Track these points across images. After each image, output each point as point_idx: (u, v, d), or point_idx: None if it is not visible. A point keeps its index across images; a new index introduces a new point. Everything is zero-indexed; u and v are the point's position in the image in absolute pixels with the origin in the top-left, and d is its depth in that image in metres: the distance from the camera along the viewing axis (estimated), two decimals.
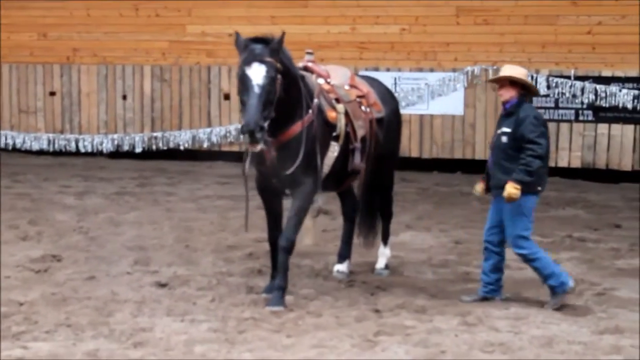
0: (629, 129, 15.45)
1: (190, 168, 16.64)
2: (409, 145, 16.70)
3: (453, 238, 11.14)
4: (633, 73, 15.42)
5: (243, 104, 7.66)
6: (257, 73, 7.63)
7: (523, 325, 7.59)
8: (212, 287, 8.68)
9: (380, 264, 9.44)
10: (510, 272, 9.51)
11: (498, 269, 8.37)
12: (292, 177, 8.10)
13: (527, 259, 8.23)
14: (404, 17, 16.90)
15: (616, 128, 15.54)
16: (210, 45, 17.81)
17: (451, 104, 16.56)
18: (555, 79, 15.67)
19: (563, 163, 15.77)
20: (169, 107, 18.00)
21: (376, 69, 16.90)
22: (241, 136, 7.86)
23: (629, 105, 15.20)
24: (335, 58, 17.02)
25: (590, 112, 15.59)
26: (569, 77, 15.60)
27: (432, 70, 16.73)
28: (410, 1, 16.86)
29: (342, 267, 9.26)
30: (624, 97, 15.20)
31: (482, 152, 15.54)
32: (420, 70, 16.79)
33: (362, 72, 16.76)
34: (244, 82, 7.63)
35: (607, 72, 15.52)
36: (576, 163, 15.81)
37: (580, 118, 15.59)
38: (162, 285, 8.71)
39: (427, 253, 10.36)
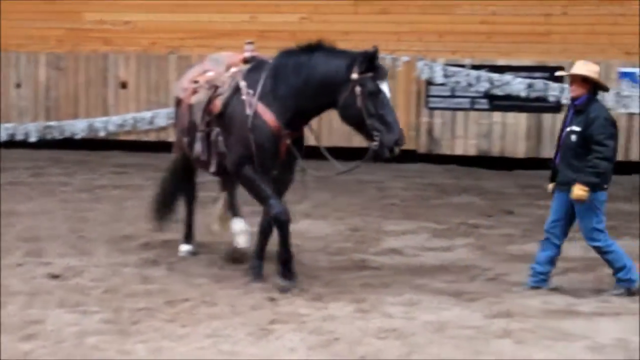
0: (523, 117, 15.75)
1: (86, 158, 16.48)
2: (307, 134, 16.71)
3: (349, 226, 11.21)
4: (527, 62, 15.71)
5: (374, 115, 7.83)
6: (388, 89, 8.00)
7: (416, 311, 7.64)
8: (105, 278, 8.58)
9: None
10: (406, 258, 9.66)
11: (552, 261, 8.42)
12: (292, 167, 8.60)
13: (602, 252, 8.30)
14: (304, 6, 16.95)
15: (510, 116, 15.83)
16: (108, 33, 17.61)
17: None
18: (452, 68, 15.87)
19: (459, 151, 16.01)
20: (65, 96, 17.75)
21: None
22: (386, 151, 7.87)
23: (523, 94, 15.48)
24: (235, 47, 16.81)
25: (485, 100, 15.84)
26: (464, 66, 15.80)
27: None
28: None
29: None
30: (518, 85, 15.47)
31: None
32: None
33: None
34: (380, 97, 7.85)
35: (501, 61, 15.77)
36: (472, 151, 16.05)
37: (476, 106, 15.82)
38: (55, 277, 8.57)
39: (323, 241, 10.40)
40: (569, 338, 6.97)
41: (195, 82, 8.88)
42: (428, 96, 16.18)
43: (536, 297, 8.13)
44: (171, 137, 15.15)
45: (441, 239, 10.62)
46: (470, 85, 15.72)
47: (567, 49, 15.27)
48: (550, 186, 8.52)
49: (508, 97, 15.61)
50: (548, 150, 15.48)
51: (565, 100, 15.20)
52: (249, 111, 8.24)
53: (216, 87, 8.60)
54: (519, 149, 15.84)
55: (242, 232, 9.28)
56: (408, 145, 15.70)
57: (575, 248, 10.05)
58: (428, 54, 16.24)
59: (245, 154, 8.29)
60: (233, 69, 8.65)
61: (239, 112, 8.35)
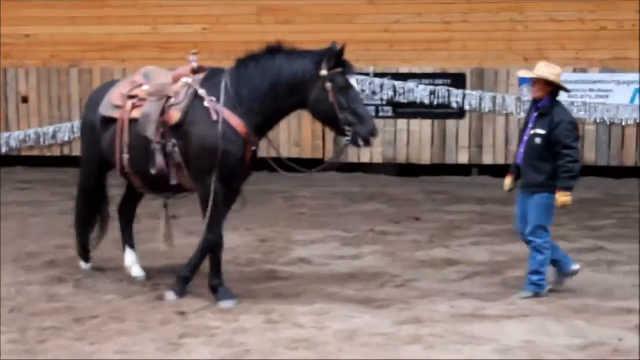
0: (427, 124, 15.90)
1: None
2: None
3: (258, 237, 11.19)
4: (429, 69, 15.89)
5: (346, 109, 7.94)
6: (356, 83, 8.21)
7: (326, 321, 7.64)
8: (10, 297, 8.41)
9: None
10: (315, 267, 9.68)
11: (545, 262, 8.49)
12: (246, 177, 8.61)
13: (536, 249, 8.36)
14: (206, 17, 16.90)
15: (415, 123, 15.95)
16: (7, 47, 17.28)
17: None
18: (356, 76, 15.93)
19: (365, 159, 16.07)
20: None
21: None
22: (361, 141, 8.04)
23: (426, 101, 15.64)
24: (138, 58, 16.87)
25: (389, 108, 15.95)
26: (368, 74, 15.92)
27: None
28: (211, 1, 16.86)
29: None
30: (421, 93, 15.64)
31: (286, 150, 15.59)
32: (223, 68, 16.76)
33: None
34: (350, 91, 8.00)
35: (404, 69, 15.92)
36: (378, 158, 16.15)
37: (381, 114, 15.88)
38: None
39: (234, 253, 10.31)
40: (477, 341, 7.06)
41: (132, 97, 8.66)
42: None
43: (444, 302, 8.21)
44: (76, 151, 15.01)
45: (350, 247, 10.65)
46: (374, 93, 15.84)
47: (467, 56, 15.52)
48: (508, 182, 8.61)
49: (412, 105, 15.76)
50: (453, 156, 15.77)
51: (468, 106, 15.49)
52: (215, 117, 8.14)
53: (168, 98, 8.43)
54: (424, 156, 15.99)
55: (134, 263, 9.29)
56: (315, 154, 15.99)
57: (481, 253, 10.24)
58: None
59: (210, 163, 8.17)
60: (184, 79, 8.47)
61: (201, 120, 8.23)
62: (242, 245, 10.78)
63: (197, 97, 8.29)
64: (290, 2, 16.59)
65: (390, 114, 15.93)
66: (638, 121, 15.12)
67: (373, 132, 8.03)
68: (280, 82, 8.12)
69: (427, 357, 6.76)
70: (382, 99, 15.87)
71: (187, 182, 8.49)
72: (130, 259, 9.24)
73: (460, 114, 15.61)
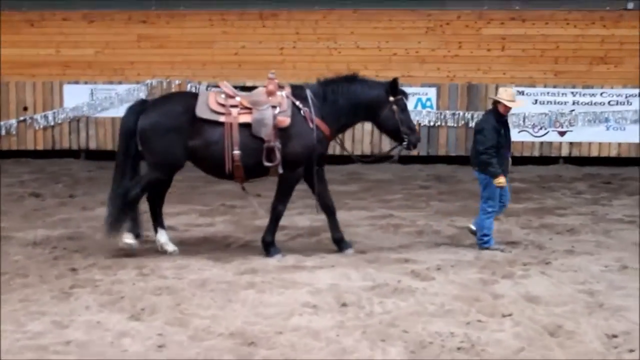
0: None
1: None
2: (105, 140, 16.41)
3: None
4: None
5: (405, 124, 8.49)
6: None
7: (185, 272, 7.62)
8: None
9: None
10: (179, 233, 9.56)
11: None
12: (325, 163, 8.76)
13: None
14: (98, 42, 16.53)
15: None
16: None
17: None
18: (213, 88, 15.83)
19: None
20: None
21: (76, 83, 16.43)
22: (412, 147, 8.61)
23: None
24: (44, 74, 16.43)
25: None
26: None
27: (120, 82, 16.43)
28: (102, 29, 16.48)
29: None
30: None
31: None
32: (112, 83, 16.44)
33: (66, 86, 16.32)
34: (407, 111, 8.63)
35: (250, 83, 15.84)
36: None
37: None
38: None
39: None
40: (296, 286, 7.17)
41: (233, 106, 8.25)
42: None
43: (274, 257, 8.27)
44: None
45: (206, 217, 10.61)
46: None
47: (296, 74, 15.58)
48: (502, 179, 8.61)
49: None
50: None
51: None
52: (311, 124, 8.24)
53: (274, 107, 8.24)
54: None
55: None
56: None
57: (303, 220, 10.35)
58: (195, 78, 16.19)
59: (305, 157, 8.29)
60: (280, 92, 8.33)
61: (301, 125, 8.25)
62: None
63: (295, 107, 8.29)
64: (163, 31, 16.41)
65: None
66: (418, 121, 15.58)
67: (419, 140, 8.74)
68: (360, 103, 8.44)
69: (258, 298, 6.81)
70: None
71: (274, 171, 8.38)
72: (163, 238, 8.57)
73: None
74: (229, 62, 16.19)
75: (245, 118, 8.22)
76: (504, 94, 8.61)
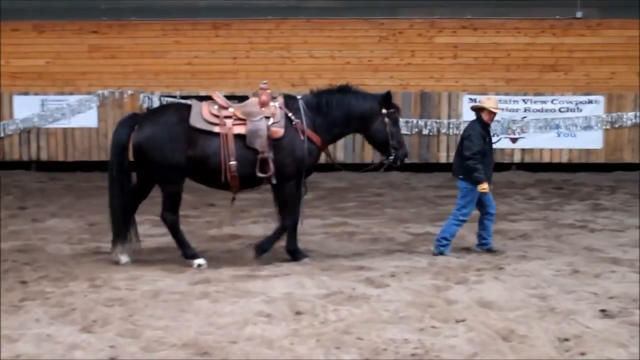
0: None
1: None
2: (56, 151, 16.19)
3: (89, 222, 10.89)
4: (222, 93, 15.80)
5: (394, 138, 8.48)
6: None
7: (137, 283, 7.52)
8: None
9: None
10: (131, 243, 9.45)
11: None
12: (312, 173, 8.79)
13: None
14: (48, 52, 16.35)
15: None
16: None
17: (88, 119, 16.22)
18: (166, 98, 15.77)
19: None
20: None
21: (26, 94, 16.21)
22: (399, 162, 8.60)
23: None
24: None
25: None
26: (175, 97, 15.75)
27: (72, 93, 16.26)
28: (52, 39, 16.29)
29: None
30: None
31: None
32: (63, 93, 16.25)
33: (16, 97, 16.10)
34: (398, 125, 8.62)
35: (203, 93, 15.79)
36: None
37: None
38: None
39: (67, 234, 10.04)
40: (250, 295, 7.10)
41: (227, 117, 8.20)
42: None
43: (228, 266, 8.22)
44: None
45: (159, 228, 10.36)
46: None
47: (250, 83, 15.62)
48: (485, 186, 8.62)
49: None
50: None
51: None
52: (302, 136, 8.25)
53: (267, 118, 8.23)
54: None
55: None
56: None
57: (257, 229, 10.31)
58: (148, 88, 16.10)
59: (297, 168, 8.27)
60: (273, 103, 8.32)
61: (292, 137, 8.25)
62: (74, 228, 10.49)
63: (287, 118, 8.28)
64: (114, 41, 16.28)
65: None
66: None
67: (406, 156, 8.70)
68: (353, 114, 8.44)
69: (212, 308, 6.75)
70: None
71: (267, 181, 8.34)
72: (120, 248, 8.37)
73: None
74: (182, 72, 16.13)
75: (239, 129, 8.24)
76: (488, 102, 8.79)
